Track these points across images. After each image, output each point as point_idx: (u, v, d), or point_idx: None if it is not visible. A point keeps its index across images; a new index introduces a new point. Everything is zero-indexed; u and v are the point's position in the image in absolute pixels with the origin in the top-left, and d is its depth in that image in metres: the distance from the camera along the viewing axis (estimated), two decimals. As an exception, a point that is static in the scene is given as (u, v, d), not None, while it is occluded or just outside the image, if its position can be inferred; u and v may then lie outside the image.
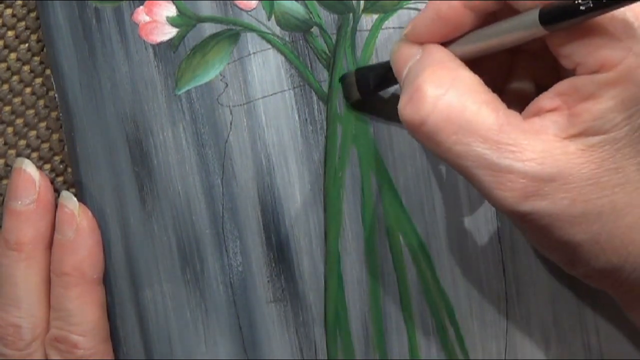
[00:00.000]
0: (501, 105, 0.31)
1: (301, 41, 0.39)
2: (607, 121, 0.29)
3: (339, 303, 0.40)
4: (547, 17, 0.29)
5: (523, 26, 0.30)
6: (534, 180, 0.29)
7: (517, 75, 0.35)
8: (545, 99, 0.31)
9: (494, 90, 0.32)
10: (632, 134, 0.30)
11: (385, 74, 0.36)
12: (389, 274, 0.40)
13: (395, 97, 0.39)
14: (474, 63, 0.32)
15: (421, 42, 0.33)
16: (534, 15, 0.29)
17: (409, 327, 0.40)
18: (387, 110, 0.39)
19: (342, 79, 0.39)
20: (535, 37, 0.30)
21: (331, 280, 0.40)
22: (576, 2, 0.28)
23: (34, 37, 0.41)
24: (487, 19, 0.32)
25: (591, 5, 0.28)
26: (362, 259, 0.40)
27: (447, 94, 0.30)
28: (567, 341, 0.40)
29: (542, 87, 0.32)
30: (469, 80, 0.31)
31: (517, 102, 0.33)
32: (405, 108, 0.31)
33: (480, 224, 0.39)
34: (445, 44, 0.33)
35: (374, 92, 0.38)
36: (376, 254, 0.40)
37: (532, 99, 0.32)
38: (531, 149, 0.30)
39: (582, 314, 0.39)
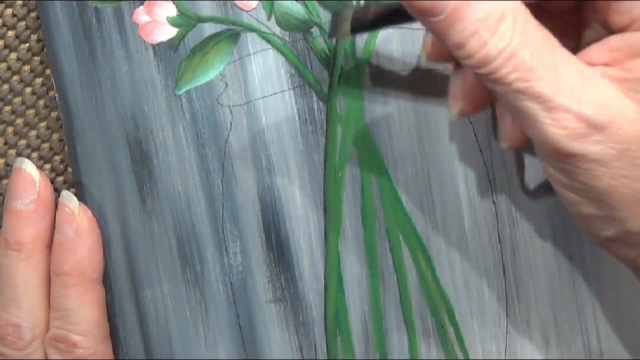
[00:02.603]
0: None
1: (301, 41, 0.39)
2: None
3: (339, 303, 0.40)
4: None
5: None
6: (589, 123, 0.30)
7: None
8: (595, 53, 0.31)
9: None
10: None
11: (389, 12, 0.34)
12: (389, 274, 0.40)
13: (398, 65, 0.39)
14: None
15: None
16: None
17: (409, 327, 0.40)
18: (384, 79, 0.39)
19: (335, 14, 0.37)
20: None
21: (331, 280, 0.40)
22: None
23: (34, 37, 0.41)
24: None
25: None
26: (362, 259, 0.40)
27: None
28: (567, 341, 0.40)
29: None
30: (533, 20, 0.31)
31: None
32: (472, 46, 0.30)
33: (480, 224, 0.39)
34: None
35: (368, 29, 0.37)
36: (376, 254, 0.40)
37: None
38: (589, 92, 0.30)
39: (582, 314, 0.39)
